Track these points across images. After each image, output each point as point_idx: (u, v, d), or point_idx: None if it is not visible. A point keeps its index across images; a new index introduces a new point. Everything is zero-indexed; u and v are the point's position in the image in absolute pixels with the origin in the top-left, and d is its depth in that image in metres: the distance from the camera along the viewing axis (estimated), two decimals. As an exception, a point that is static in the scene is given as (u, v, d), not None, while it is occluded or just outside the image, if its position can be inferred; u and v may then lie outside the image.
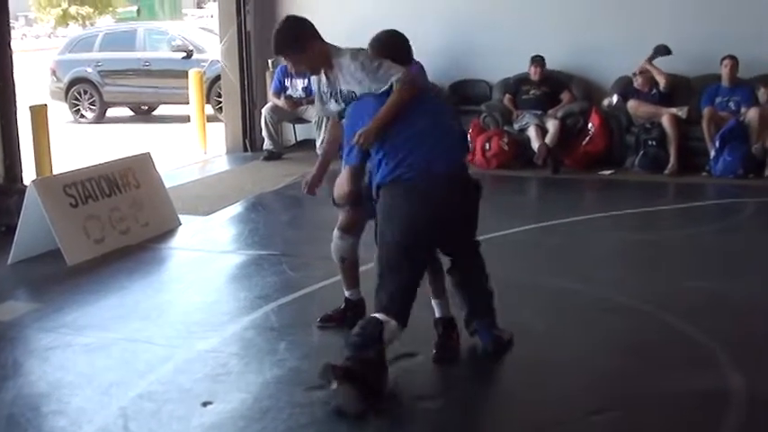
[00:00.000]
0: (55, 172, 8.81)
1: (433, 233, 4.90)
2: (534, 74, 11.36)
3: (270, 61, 12.46)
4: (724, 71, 10.68)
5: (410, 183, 4.79)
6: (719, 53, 10.64)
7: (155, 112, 18.93)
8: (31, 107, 9.19)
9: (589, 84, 11.71)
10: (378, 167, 4.89)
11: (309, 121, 11.95)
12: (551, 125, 10.92)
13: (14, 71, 8.74)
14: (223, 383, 4.92)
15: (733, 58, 10.60)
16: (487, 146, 10.88)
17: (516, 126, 11.17)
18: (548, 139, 10.80)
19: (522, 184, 10.43)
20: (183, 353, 5.32)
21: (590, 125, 10.94)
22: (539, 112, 11.15)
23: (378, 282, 4.82)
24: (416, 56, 12.08)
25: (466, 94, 12.10)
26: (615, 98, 10.98)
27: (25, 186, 7.68)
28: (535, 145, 10.79)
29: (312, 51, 5.16)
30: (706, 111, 10.54)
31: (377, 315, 4.65)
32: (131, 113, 18.93)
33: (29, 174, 8.88)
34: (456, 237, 5.11)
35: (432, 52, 11.86)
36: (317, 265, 6.01)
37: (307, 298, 6.08)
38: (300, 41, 5.15)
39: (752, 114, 10.28)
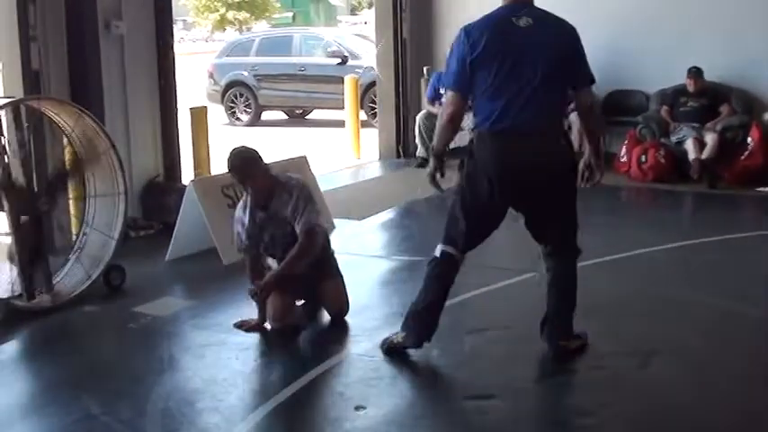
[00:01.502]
0: (212, 173, 9.02)
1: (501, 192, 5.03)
2: (690, 85, 11.12)
3: (425, 68, 12.52)
4: None
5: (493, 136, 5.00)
6: None
7: (308, 117, 19.24)
8: (191, 109, 9.44)
9: (750, 97, 11.37)
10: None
11: (463, 129, 11.92)
12: (710, 138, 10.65)
13: (176, 73, 8.99)
14: (375, 388, 4.96)
15: None
16: (643, 158, 10.70)
17: (673, 138, 10.94)
18: (706, 153, 10.54)
19: (678, 197, 10.21)
20: (335, 356, 5.40)
21: (749, 140, 10.61)
22: (696, 125, 10.90)
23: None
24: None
25: (622, 104, 11.90)
26: None
27: (184, 186, 7.89)
28: (692, 158, 10.55)
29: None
30: None
31: None
32: (285, 117, 19.27)
33: (187, 173, 9.12)
34: (538, 213, 5.17)
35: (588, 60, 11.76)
36: (470, 272, 5.96)
37: (460, 306, 6.07)
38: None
39: None
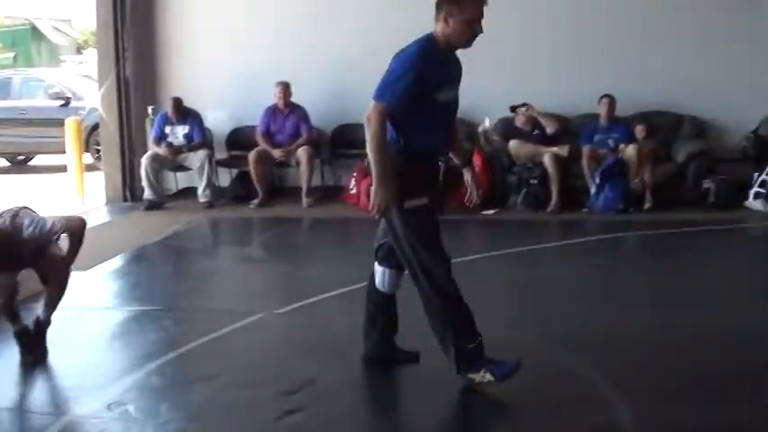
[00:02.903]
0: None
1: None
2: (416, 116, 11.42)
3: (150, 108, 12.26)
4: (602, 110, 10.94)
5: None
6: (597, 92, 10.87)
7: (32, 162, 18.44)
8: None
9: (471, 126, 11.80)
10: None
11: (191, 169, 11.79)
12: (436, 166, 10.94)
13: None
14: (104, 451, 4.73)
15: (610, 97, 10.88)
16: (372, 189, 10.80)
17: (400, 168, 11.14)
18: (432, 181, 10.82)
19: (407, 226, 10.38)
20: (60, 420, 5.08)
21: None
22: (422, 154, 11.17)
23: None
24: (298, 100, 12.18)
25: (350, 137, 12.08)
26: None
27: None
28: (420, 186, 10.78)
29: None
30: (585, 149, 10.75)
31: None
32: (7, 164, 18.38)
33: None
34: None
35: (314, 96, 11.90)
36: (199, 318, 5.86)
37: (190, 354, 5.91)
38: None
39: (630, 151, 10.51)
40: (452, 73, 5.26)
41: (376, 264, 5.56)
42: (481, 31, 5.04)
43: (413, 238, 5.10)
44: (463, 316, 5.12)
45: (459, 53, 5.26)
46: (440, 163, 5.22)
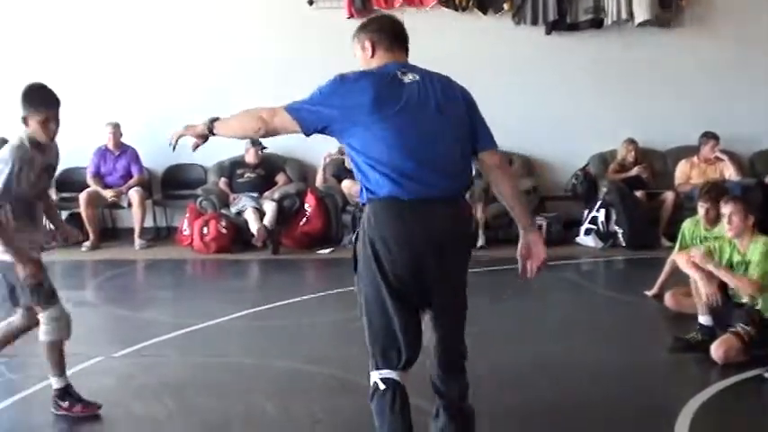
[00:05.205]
0: None
1: None
2: (250, 156, 11.49)
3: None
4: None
5: None
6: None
7: None
8: None
9: (303, 165, 11.95)
10: None
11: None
12: (268, 207, 11.01)
13: None
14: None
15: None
16: (205, 230, 10.80)
17: (233, 209, 11.19)
18: (266, 221, 10.88)
19: (243, 267, 10.40)
20: None
21: (307, 206, 11.12)
22: (255, 195, 11.24)
23: None
24: (129, 141, 11.97)
25: (181, 178, 12.09)
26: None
27: None
28: (253, 227, 10.83)
29: None
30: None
31: None
32: None
33: None
34: None
35: (140, 138, 11.76)
36: (35, 364, 5.70)
37: (28, 400, 5.78)
38: None
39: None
40: None
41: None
42: None
43: None
44: None
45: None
46: None
